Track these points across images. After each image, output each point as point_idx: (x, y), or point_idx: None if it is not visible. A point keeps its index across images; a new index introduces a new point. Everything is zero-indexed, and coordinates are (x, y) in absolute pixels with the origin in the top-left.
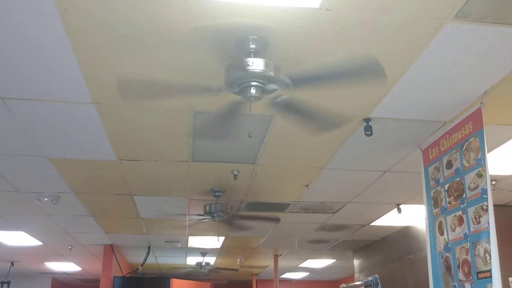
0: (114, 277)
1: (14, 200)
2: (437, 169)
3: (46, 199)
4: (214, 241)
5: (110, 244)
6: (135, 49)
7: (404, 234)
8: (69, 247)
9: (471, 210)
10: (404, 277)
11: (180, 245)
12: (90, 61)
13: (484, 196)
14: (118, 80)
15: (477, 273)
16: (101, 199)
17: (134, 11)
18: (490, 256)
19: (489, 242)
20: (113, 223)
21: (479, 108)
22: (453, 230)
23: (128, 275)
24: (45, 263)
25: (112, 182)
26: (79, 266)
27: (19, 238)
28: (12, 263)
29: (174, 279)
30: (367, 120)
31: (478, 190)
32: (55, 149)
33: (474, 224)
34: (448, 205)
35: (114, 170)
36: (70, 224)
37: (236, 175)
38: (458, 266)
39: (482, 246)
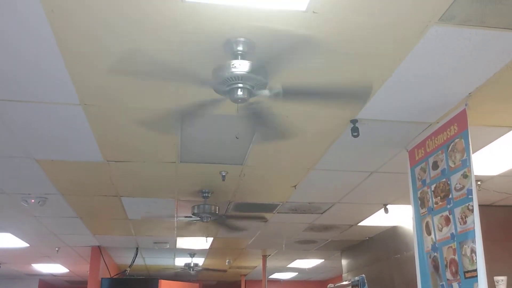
0: (101, 278)
1: (0, 201)
2: (424, 169)
3: (32, 201)
4: (203, 242)
5: (98, 246)
6: (124, 50)
7: (391, 234)
8: (56, 248)
9: (457, 211)
10: (391, 277)
11: (168, 246)
12: (78, 62)
13: (470, 196)
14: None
15: (464, 272)
16: (89, 201)
17: (122, 12)
18: (476, 255)
19: (475, 242)
20: (101, 224)
21: (464, 110)
22: (440, 230)
23: (116, 276)
24: (32, 265)
25: (100, 184)
26: (67, 267)
27: (5, 240)
28: None
29: (162, 280)
30: (354, 121)
31: (464, 190)
32: (42, 150)
33: (460, 224)
34: (434, 205)
35: (102, 172)
36: (57, 225)
37: (224, 176)
38: (446, 266)
39: (468, 246)
